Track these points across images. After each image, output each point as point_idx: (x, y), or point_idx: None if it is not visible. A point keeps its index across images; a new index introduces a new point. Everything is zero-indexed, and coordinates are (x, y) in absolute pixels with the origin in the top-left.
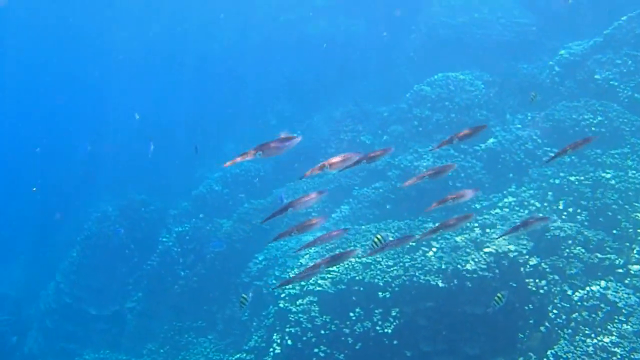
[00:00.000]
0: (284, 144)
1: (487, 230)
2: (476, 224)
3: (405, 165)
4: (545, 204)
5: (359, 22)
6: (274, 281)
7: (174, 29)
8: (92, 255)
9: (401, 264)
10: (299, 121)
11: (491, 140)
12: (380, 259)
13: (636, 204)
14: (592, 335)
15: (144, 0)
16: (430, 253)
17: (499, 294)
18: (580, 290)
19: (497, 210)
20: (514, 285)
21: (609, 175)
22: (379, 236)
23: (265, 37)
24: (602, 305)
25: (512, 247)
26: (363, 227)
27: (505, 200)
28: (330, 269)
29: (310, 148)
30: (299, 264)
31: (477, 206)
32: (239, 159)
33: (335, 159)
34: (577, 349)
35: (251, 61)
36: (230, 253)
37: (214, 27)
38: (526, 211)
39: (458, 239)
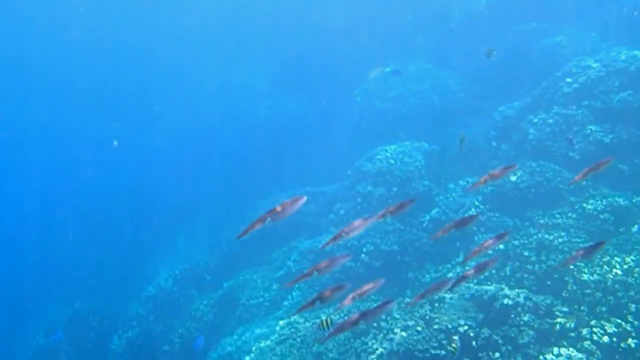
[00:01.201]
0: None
1: (436, 305)
2: (424, 299)
3: (352, 244)
4: (493, 271)
5: (301, 103)
6: None
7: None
8: None
9: (353, 349)
10: (246, 209)
11: (435, 210)
12: (331, 347)
13: (580, 264)
14: None
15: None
16: (381, 335)
17: (453, 345)
18: None
19: None
20: None
21: (552, 237)
22: (328, 320)
23: (208, 123)
24: None
25: (461, 322)
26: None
27: (454, 271)
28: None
29: (256, 236)
30: (252, 356)
31: (427, 278)
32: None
33: (351, 227)
34: None
35: (194, 148)
36: (184, 353)
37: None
38: (475, 280)
39: (407, 317)
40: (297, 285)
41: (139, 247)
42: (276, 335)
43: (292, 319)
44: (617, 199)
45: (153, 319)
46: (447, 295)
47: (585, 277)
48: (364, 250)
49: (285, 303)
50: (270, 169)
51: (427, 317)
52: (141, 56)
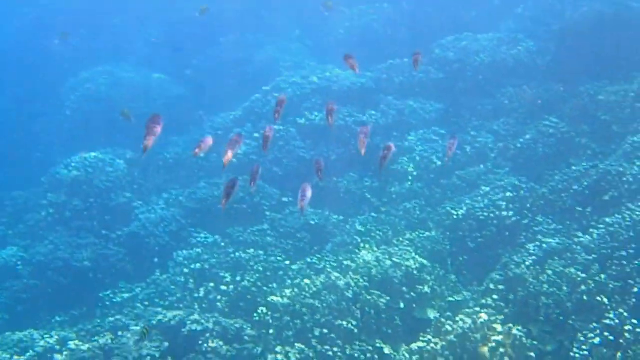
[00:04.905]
0: None
1: (120, 333)
2: (104, 328)
3: (38, 260)
4: (186, 293)
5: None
6: None
7: None
8: None
9: None
10: None
11: (135, 223)
12: None
13: (273, 285)
14: None
15: None
16: None
17: None
18: None
19: (138, 304)
20: None
21: (248, 256)
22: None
23: None
24: None
25: (144, 352)
26: None
27: (147, 291)
28: None
29: None
30: None
31: (118, 299)
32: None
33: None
34: None
35: None
36: None
37: None
38: (166, 302)
39: (85, 347)
40: None
41: None
42: None
43: None
44: (314, 218)
45: None
46: (133, 322)
47: (275, 299)
48: (52, 266)
49: None
50: None
51: (107, 348)
52: None
